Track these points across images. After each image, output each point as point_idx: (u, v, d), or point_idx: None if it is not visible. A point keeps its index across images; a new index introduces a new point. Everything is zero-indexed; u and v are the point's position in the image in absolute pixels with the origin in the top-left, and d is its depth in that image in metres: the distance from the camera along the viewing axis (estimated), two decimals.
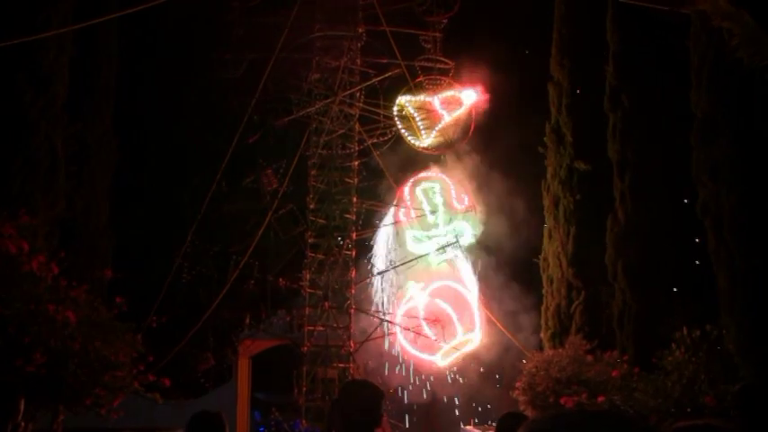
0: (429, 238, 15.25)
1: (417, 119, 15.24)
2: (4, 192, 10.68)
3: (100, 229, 13.92)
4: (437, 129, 15.31)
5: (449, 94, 15.31)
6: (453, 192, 15.50)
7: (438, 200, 15.41)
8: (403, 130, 15.39)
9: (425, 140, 15.39)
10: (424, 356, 14.87)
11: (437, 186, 15.49)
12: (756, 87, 9.62)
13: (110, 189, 14.41)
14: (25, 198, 10.75)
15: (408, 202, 15.40)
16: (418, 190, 15.53)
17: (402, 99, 15.36)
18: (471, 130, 15.32)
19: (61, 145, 11.80)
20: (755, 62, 8.67)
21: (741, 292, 9.96)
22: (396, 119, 15.39)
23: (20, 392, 4.17)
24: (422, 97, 15.29)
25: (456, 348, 14.74)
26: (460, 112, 15.30)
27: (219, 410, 4.21)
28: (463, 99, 15.28)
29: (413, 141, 15.43)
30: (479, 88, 15.28)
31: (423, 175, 15.66)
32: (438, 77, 15.39)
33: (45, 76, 11.67)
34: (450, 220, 15.29)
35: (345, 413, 4.08)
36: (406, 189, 15.54)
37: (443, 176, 15.60)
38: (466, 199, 15.45)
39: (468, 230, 15.29)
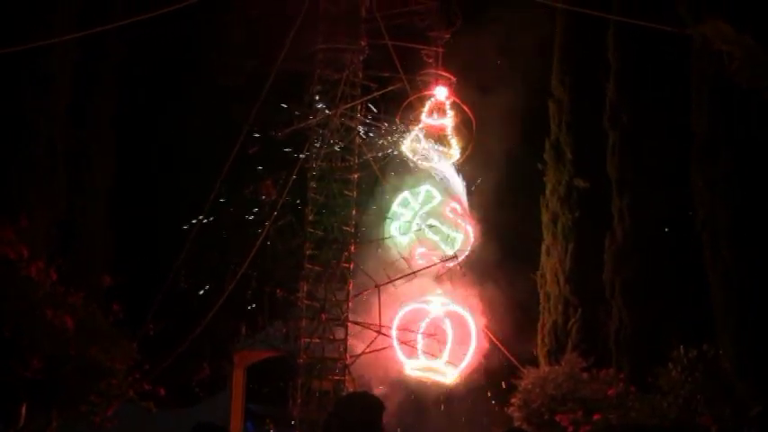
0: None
1: (436, 145, 15.33)
2: (3, 193, 10.67)
3: (99, 234, 13.89)
4: (451, 136, 15.41)
5: (429, 104, 15.40)
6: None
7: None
8: (435, 162, 15.46)
9: (456, 152, 15.45)
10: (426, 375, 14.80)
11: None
12: (755, 107, 9.69)
13: (109, 194, 14.39)
14: (24, 200, 10.74)
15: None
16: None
17: (409, 144, 15.41)
18: (470, 113, 15.39)
19: (62, 149, 11.79)
20: (756, 85, 8.76)
21: (738, 310, 9.99)
22: (422, 162, 15.46)
23: (22, 399, 4.17)
24: (417, 128, 15.36)
25: (428, 369, 14.66)
26: (449, 108, 15.40)
27: (219, 423, 4.19)
28: (438, 97, 15.37)
29: (450, 162, 15.50)
30: (446, 80, 15.43)
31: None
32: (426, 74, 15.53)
33: (47, 80, 11.68)
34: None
35: (345, 425, 4.05)
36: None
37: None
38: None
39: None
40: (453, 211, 15.32)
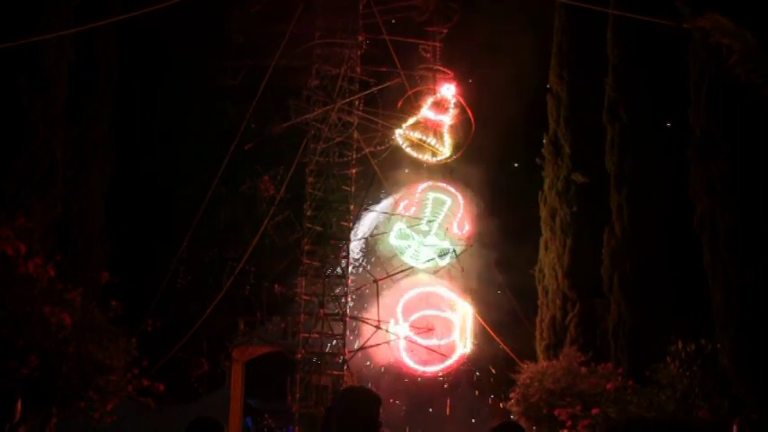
0: (413, 238, 15.26)
1: (427, 139, 15.29)
2: (1, 194, 10.65)
3: (96, 233, 13.87)
4: (446, 133, 15.38)
5: (432, 99, 15.37)
6: (459, 215, 15.43)
7: (440, 214, 15.38)
8: (426, 156, 15.46)
9: (446, 150, 15.44)
10: (422, 368, 14.85)
11: (448, 202, 15.43)
12: (754, 103, 9.67)
13: (106, 193, 14.37)
14: (22, 201, 10.71)
15: (416, 200, 15.38)
16: (431, 194, 15.49)
17: (402, 131, 15.38)
18: (471, 115, 15.39)
19: (60, 149, 11.76)
20: (754, 79, 8.73)
21: (737, 308, 9.98)
22: (408, 150, 15.46)
23: (17, 395, 4.16)
24: (415, 118, 15.33)
25: (446, 354, 14.71)
26: (453, 107, 15.39)
27: (217, 418, 4.20)
28: (445, 95, 15.33)
29: (437, 159, 15.49)
30: (453, 79, 15.43)
31: (441, 184, 15.61)
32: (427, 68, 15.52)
33: (44, 80, 11.63)
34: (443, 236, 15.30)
35: (343, 420, 4.05)
36: (420, 187, 15.53)
37: (458, 196, 15.51)
38: (466, 226, 15.45)
39: (450, 253, 15.24)
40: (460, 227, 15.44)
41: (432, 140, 15.33)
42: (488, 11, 16.93)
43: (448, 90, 15.33)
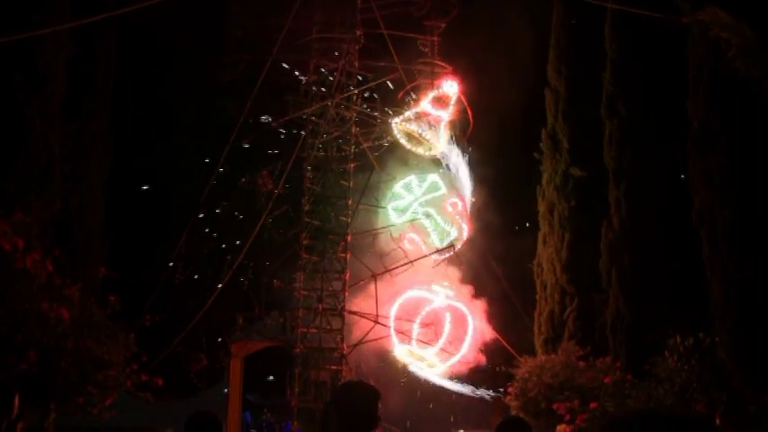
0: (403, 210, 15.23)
1: (423, 132, 15.23)
2: (0, 188, 10.64)
3: (96, 228, 13.85)
4: (443, 128, 15.34)
5: (433, 94, 15.32)
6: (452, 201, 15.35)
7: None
8: (420, 150, 15.43)
9: (442, 144, 15.40)
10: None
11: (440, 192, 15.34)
12: (753, 97, 9.66)
13: (105, 188, 14.35)
14: (21, 197, 10.69)
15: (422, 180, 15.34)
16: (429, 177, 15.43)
17: (399, 123, 15.34)
18: (470, 113, 15.37)
19: (57, 144, 11.73)
20: (753, 73, 8.74)
21: (735, 301, 9.99)
22: (403, 142, 15.42)
23: (15, 391, 4.16)
24: (413, 110, 15.28)
25: (418, 357, 14.67)
26: (453, 104, 15.35)
27: (216, 413, 4.19)
28: (447, 91, 15.28)
29: (430, 153, 15.44)
30: (455, 76, 15.39)
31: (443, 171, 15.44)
32: (426, 64, 15.46)
33: (42, 75, 11.60)
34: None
35: (343, 414, 4.04)
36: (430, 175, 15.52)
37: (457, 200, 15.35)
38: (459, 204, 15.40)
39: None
40: (453, 206, 15.30)
41: (428, 135, 15.29)
42: (487, 6, 16.90)
43: (451, 87, 15.28)
